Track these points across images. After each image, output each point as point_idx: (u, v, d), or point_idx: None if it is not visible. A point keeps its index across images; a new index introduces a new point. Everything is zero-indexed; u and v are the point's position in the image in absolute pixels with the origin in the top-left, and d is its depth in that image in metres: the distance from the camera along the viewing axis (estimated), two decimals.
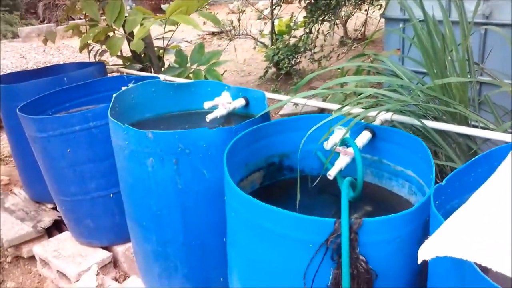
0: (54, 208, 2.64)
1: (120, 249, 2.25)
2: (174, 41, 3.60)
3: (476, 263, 0.72)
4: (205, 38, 7.06)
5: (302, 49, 3.68)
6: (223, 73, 3.11)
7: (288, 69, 3.86)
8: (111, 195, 2.08)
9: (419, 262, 0.72)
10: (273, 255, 1.10)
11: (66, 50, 7.17)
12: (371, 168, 1.56)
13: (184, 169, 1.48)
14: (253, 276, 1.19)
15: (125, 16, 2.63)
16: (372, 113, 1.49)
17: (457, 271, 0.78)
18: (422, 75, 1.65)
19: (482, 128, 1.35)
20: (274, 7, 4.36)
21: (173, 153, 1.45)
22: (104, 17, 2.74)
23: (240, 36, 4.95)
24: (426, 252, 0.72)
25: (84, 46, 2.84)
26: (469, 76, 1.42)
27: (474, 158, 1.04)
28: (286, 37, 4.51)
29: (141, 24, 2.40)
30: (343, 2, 2.80)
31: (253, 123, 1.51)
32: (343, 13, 3.92)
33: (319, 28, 3.70)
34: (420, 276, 1.09)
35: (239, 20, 4.60)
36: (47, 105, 2.24)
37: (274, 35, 4.54)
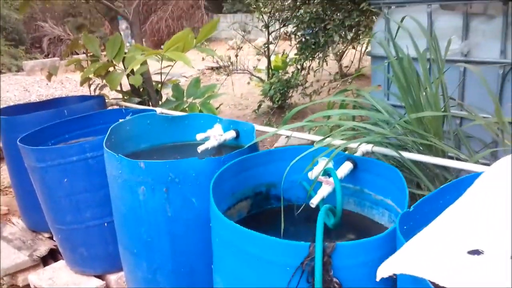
0: (50, 238, 2.69)
1: (113, 277, 2.28)
2: (173, 77, 3.73)
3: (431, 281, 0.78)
4: (205, 73, 7.25)
5: (293, 84, 3.81)
6: (218, 107, 3.22)
7: (280, 103, 3.99)
8: (105, 224, 2.14)
9: (377, 279, 0.78)
10: (255, 278, 1.16)
11: (69, 83, 7.35)
12: (354, 198, 1.63)
13: (174, 198, 1.55)
14: None
15: (125, 53, 2.76)
16: (354, 144, 1.57)
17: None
18: (404, 109, 1.75)
19: (456, 159, 1.42)
20: (270, 43, 4.53)
21: (164, 182, 1.52)
22: (104, 53, 2.86)
23: (238, 71, 5.10)
24: (384, 270, 0.78)
25: (85, 80, 2.96)
26: (443, 110, 1.50)
27: (443, 186, 1.11)
28: (281, 72, 4.65)
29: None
30: (331, 41, 2.94)
31: (240, 154, 1.58)
32: (335, 50, 4.07)
33: (310, 65, 3.84)
34: None
35: (236, 56, 4.76)
36: (47, 137, 2.32)
37: (270, 70, 4.68)
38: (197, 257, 1.63)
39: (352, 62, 5.14)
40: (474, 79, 1.99)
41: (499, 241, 0.80)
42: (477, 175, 1.12)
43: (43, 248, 2.62)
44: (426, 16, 2.17)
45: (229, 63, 4.89)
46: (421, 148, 1.47)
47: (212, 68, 7.12)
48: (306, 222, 1.67)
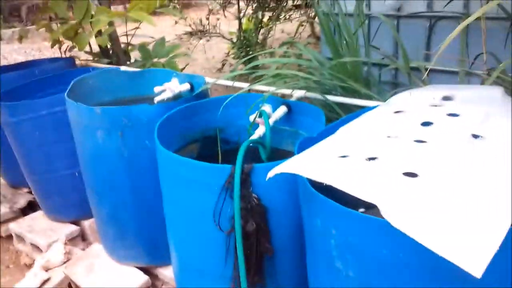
0: (29, 192, 2.89)
1: (86, 223, 2.49)
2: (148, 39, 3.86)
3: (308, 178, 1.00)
4: (182, 38, 7.33)
5: (252, 43, 4.00)
6: (185, 67, 3.38)
7: (243, 60, 4.19)
8: (76, 173, 2.34)
9: (266, 179, 1.00)
10: (191, 199, 1.38)
11: (47, 51, 7.38)
12: (291, 139, 1.84)
13: (129, 140, 1.75)
14: (178, 219, 1.47)
15: (92, 15, 2.89)
16: (288, 90, 1.77)
17: (302, 189, 1.07)
18: None
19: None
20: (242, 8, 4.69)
21: (119, 126, 1.72)
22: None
23: (212, 35, 5.22)
24: (271, 172, 1.00)
25: (55, 42, 3.10)
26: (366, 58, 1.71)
27: (343, 117, 1.32)
28: (248, 33, 4.79)
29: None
30: (284, 4, 3.11)
31: (187, 101, 1.78)
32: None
33: (268, 25, 4.02)
34: None
35: (207, 18, 4.89)
36: (19, 96, 2.49)
37: (241, 32, 4.83)
38: (153, 193, 1.83)
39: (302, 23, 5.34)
40: (407, 32, 2.18)
41: (360, 149, 1.01)
42: (372, 107, 1.34)
43: (22, 201, 2.83)
44: None
45: (202, 27, 5.01)
46: (344, 91, 1.68)
47: (189, 33, 7.18)
48: (250, 161, 1.89)
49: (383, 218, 0.75)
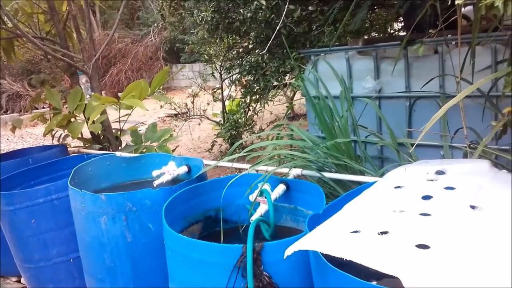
0: (18, 281, 2.81)
1: None
2: (135, 124, 3.99)
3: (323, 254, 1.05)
4: (165, 120, 7.53)
5: (241, 124, 4.18)
6: (175, 149, 3.47)
7: (232, 141, 4.33)
8: (71, 260, 2.31)
9: (284, 257, 1.05)
10: (200, 280, 1.40)
11: (29, 137, 7.44)
12: (290, 215, 1.90)
13: (133, 224, 1.78)
14: None
15: (85, 104, 3.01)
16: (286, 170, 1.86)
17: (316, 264, 1.11)
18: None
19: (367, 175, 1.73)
20: (221, 89, 4.93)
21: (123, 211, 1.76)
22: (66, 105, 3.10)
23: (195, 117, 5.41)
24: (289, 250, 1.05)
25: (48, 132, 3.17)
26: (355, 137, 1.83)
27: (345, 193, 1.40)
28: (237, 115, 4.99)
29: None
30: (270, 85, 3.32)
31: (189, 183, 1.84)
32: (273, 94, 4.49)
33: (255, 107, 4.23)
34: None
35: (192, 102, 5.09)
36: (15, 184, 2.51)
37: (225, 114, 5.02)
38: (155, 276, 1.83)
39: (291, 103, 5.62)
40: (389, 111, 2.35)
41: (370, 224, 1.08)
42: (371, 184, 1.43)
43: None
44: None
45: (186, 109, 5.20)
46: (338, 168, 1.78)
47: (172, 116, 7.40)
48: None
49: None
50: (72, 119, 3.10)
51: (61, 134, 3.33)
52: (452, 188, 1.19)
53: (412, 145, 1.89)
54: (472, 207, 1.09)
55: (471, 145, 1.72)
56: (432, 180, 1.26)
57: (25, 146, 6.97)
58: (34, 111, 5.67)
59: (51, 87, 3.31)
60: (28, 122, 7.29)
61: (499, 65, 2.04)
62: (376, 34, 4.68)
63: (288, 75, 3.40)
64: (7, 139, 7.30)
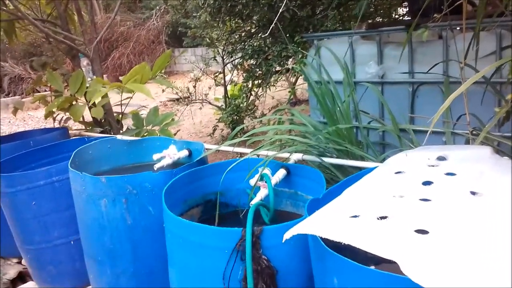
0: (19, 262, 2.83)
1: None
2: (137, 108, 3.97)
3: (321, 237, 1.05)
4: (167, 105, 7.51)
5: (243, 109, 4.17)
6: (176, 133, 3.47)
7: (234, 126, 4.33)
8: (72, 242, 2.32)
9: (283, 241, 1.05)
10: (200, 263, 1.40)
11: (31, 120, 7.45)
12: (290, 200, 1.90)
13: (133, 207, 1.78)
14: (186, 283, 1.48)
15: (86, 87, 2.99)
16: (287, 154, 1.86)
17: (314, 248, 1.11)
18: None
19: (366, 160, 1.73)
20: (223, 73, 4.91)
21: (123, 194, 1.76)
22: (67, 88, 3.09)
23: (197, 101, 5.39)
24: (287, 234, 1.05)
25: (49, 114, 3.16)
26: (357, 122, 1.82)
27: (345, 178, 1.40)
28: (239, 100, 4.97)
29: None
30: (272, 70, 3.30)
31: (190, 167, 1.84)
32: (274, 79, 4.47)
33: (257, 91, 4.21)
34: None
35: (194, 86, 5.07)
36: (16, 166, 2.51)
37: (227, 98, 5.00)
38: (155, 259, 1.84)
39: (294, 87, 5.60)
40: (391, 96, 2.33)
41: (370, 209, 1.08)
42: (371, 169, 1.42)
43: (12, 272, 2.76)
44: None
45: (188, 94, 5.18)
46: (339, 153, 1.77)
47: (173, 100, 7.38)
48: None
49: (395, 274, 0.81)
50: (74, 102, 3.09)
51: (62, 117, 3.33)
52: (453, 174, 1.18)
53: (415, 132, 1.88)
54: (473, 193, 1.09)
55: (474, 132, 1.71)
56: (433, 166, 1.26)
57: (27, 128, 6.98)
58: (36, 94, 5.66)
59: (52, 69, 3.30)
60: (30, 104, 7.30)
61: (504, 51, 2.01)
62: (381, 19, 4.64)
63: (290, 59, 3.37)
64: (9, 122, 7.30)
